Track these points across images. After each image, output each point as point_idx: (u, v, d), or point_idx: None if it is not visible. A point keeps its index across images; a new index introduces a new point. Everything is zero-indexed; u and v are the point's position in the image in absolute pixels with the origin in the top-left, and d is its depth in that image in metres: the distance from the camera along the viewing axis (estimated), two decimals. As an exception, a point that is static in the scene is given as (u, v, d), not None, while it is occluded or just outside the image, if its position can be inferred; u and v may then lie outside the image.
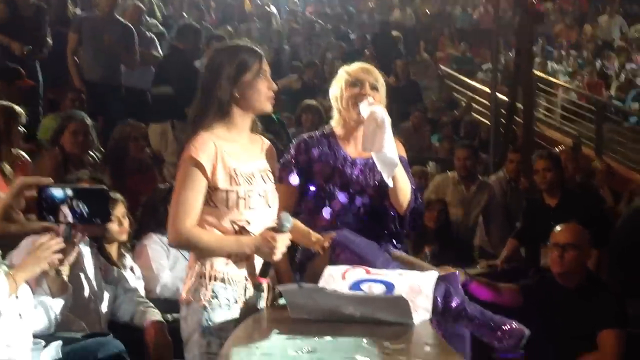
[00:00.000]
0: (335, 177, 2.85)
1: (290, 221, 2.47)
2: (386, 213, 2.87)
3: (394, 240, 2.90)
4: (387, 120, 2.65)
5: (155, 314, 3.46)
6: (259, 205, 2.53)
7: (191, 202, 2.45)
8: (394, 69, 10.68)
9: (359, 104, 2.76)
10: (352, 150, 2.90)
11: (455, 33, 16.00)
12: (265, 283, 2.50)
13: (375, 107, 2.69)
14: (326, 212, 2.85)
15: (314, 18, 13.78)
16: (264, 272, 2.50)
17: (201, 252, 2.50)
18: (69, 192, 1.57)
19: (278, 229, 2.46)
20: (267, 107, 2.58)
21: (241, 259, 2.51)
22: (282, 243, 2.45)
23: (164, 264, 4.07)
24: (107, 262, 3.57)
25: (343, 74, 2.89)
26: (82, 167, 4.74)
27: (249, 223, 2.50)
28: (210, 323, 2.45)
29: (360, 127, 2.79)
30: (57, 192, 1.57)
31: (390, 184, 2.72)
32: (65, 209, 1.57)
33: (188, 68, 6.62)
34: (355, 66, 2.91)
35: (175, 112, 6.38)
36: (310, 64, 10.23)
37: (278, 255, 2.46)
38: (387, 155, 2.64)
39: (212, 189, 2.47)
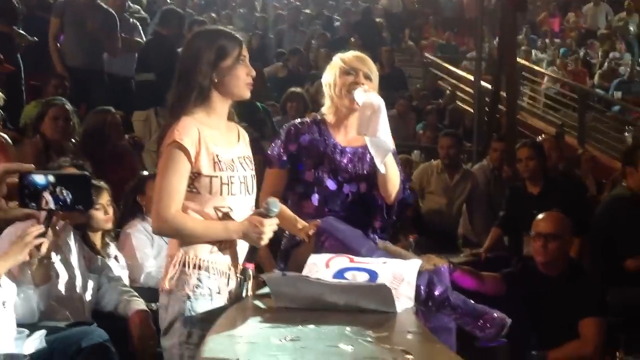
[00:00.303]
0: (325, 164, 2.86)
1: (277, 206, 2.46)
2: (374, 202, 2.88)
3: (380, 230, 2.92)
4: (383, 106, 2.69)
5: (139, 303, 3.45)
6: (241, 192, 2.52)
7: (175, 186, 2.40)
8: (379, 57, 10.67)
9: (354, 92, 2.78)
10: (342, 138, 2.92)
11: (440, 21, 16.02)
12: (250, 268, 2.49)
13: (370, 94, 2.72)
14: (314, 199, 2.86)
15: (299, 4, 13.73)
16: (249, 258, 2.48)
17: (186, 239, 2.45)
18: (51, 178, 1.55)
19: (265, 214, 2.44)
20: (246, 93, 2.56)
21: (225, 247, 2.49)
22: (269, 228, 2.44)
23: (148, 253, 4.06)
24: (91, 251, 3.55)
25: (338, 61, 2.89)
26: (63, 154, 4.70)
27: (231, 209, 2.48)
28: (192, 313, 2.42)
29: (352, 115, 2.85)
30: (39, 179, 1.55)
31: (382, 169, 2.74)
32: (47, 196, 1.55)
33: (171, 54, 6.55)
34: (351, 55, 2.92)
35: (158, 99, 6.32)
36: (295, 51, 10.20)
37: (265, 240, 2.44)
38: (381, 140, 2.67)
39: (195, 175, 2.44)
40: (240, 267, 2.50)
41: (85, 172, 1.60)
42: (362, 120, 2.67)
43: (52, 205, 1.56)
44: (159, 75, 6.51)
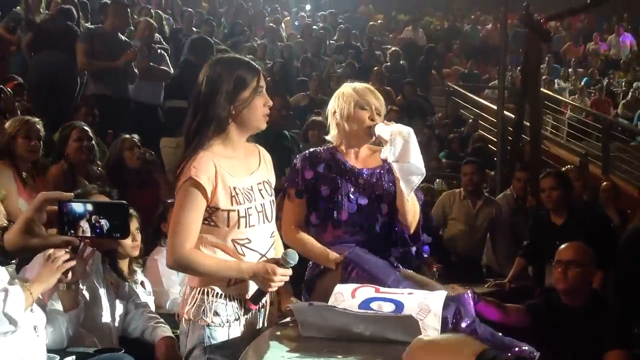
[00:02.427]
0: (342, 187, 2.89)
1: (295, 259, 2.48)
2: (394, 226, 2.91)
3: (400, 259, 2.93)
4: (413, 133, 2.75)
5: (165, 330, 3.46)
6: (259, 222, 2.53)
7: (190, 224, 2.42)
8: (401, 89, 10.71)
9: (375, 127, 2.83)
10: (355, 161, 2.96)
11: (463, 49, 16.07)
12: (254, 310, 2.55)
13: (395, 124, 2.78)
14: (333, 223, 2.89)
15: (322, 32, 13.78)
16: (256, 299, 2.51)
17: (199, 276, 2.49)
18: (89, 207, 1.59)
19: (282, 263, 2.46)
20: (262, 124, 2.55)
21: (240, 280, 2.52)
22: (281, 278, 2.45)
23: (174, 279, 4.10)
24: (118, 278, 3.59)
25: (352, 93, 2.92)
26: (87, 178, 4.79)
27: (249, 241, 2.50)
28: (211, 340, 2.48)
29: (362, 145, 2.94)
30: (78, 207, 1.59)
31: (408, 195, 2.78)
32: (84, 224, 1.59)
33: None
34: (363, 87, 2.96)
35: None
36: (316, 78, 10.23)
37: (273, 288, 2.48)
38: (413, 165, 2.72)
39: (212, 209, 2.45)
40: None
41: (123, 201, 1.63)
42: (393, 149, 2.72)
43: (89, 233, 1.60)
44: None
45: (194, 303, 2.50)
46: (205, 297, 2.49)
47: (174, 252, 2.43)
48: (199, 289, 2.51)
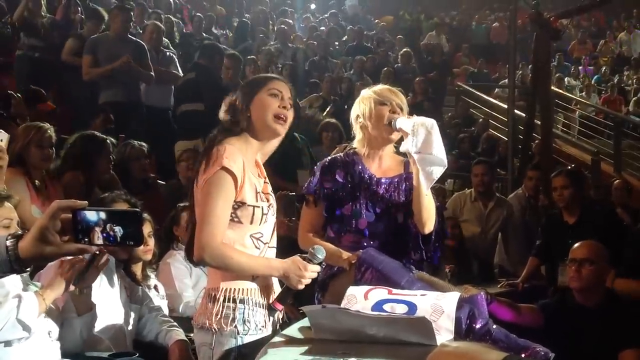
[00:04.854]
0: (361, 197, 2.90)
1: (323, 253, 2.49)
2: (410, 232, 2.91)
3: (417, 261, 2.93)
4: (436, 124, 2.73)
5: (179, 334, 3.48)
6: (271, 221, 2.54)
7: (222, 214, 2.36)
8: (412, 87, 10.69)
9: (395, 121, 2.83)
10: (376, 169, 2.96)
11: (472, 49, 16.04)
12: (280, 310, 2.51)
13: (416, 117, 2.78)
14: (352, 231, 2.89)
15: (328, 39, 13.76)
16: (282, 299, 2.49)
17: (230, 271, 2.42)
18: (103, 215, 1.60)
19: (309, 259, 2.47)
20: (278, 128, 2.54)
21: (264, 280, 2.50)
22: (310, 274, 2.46)
23: (187, 283, 4.11)
24: (132, 282, 3.60)
25: (370, 94, 2.95)
26: (100, 185, 4.80)
27: (262, 235, 2.50)
28: (243, 348, 2.42)
29: (386, 146, 2.95)
30: (91, 215, 1.60)
31: (426, 188, 2.76)
32: (98, 232, 1.60)
33: (216, 85, 6.75)
34: (382, 87, 3.00)
35: (205, 129, 6.38)
36: (329, 79, 10.22)
37: (303, 285, 2.46)
38: (435, 157, 2.71)
39: (239, 204, 2.41)
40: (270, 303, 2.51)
41: (136, 209, 1.64)
42: (416, 139, 2.70)
43: (102, 241, 1.61)
44: (207, 105, 6.63)
45: (218, 309, 2.42)
46: (231, 302, 2.42)
47: (207, 244, 2.33)
48: (221, 292, 2.42)
